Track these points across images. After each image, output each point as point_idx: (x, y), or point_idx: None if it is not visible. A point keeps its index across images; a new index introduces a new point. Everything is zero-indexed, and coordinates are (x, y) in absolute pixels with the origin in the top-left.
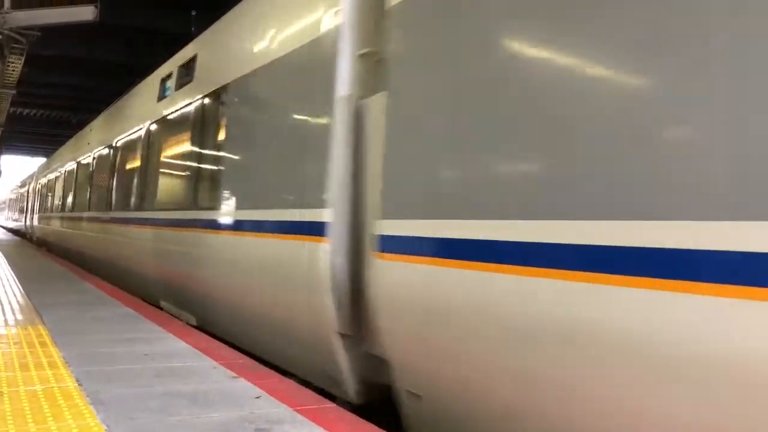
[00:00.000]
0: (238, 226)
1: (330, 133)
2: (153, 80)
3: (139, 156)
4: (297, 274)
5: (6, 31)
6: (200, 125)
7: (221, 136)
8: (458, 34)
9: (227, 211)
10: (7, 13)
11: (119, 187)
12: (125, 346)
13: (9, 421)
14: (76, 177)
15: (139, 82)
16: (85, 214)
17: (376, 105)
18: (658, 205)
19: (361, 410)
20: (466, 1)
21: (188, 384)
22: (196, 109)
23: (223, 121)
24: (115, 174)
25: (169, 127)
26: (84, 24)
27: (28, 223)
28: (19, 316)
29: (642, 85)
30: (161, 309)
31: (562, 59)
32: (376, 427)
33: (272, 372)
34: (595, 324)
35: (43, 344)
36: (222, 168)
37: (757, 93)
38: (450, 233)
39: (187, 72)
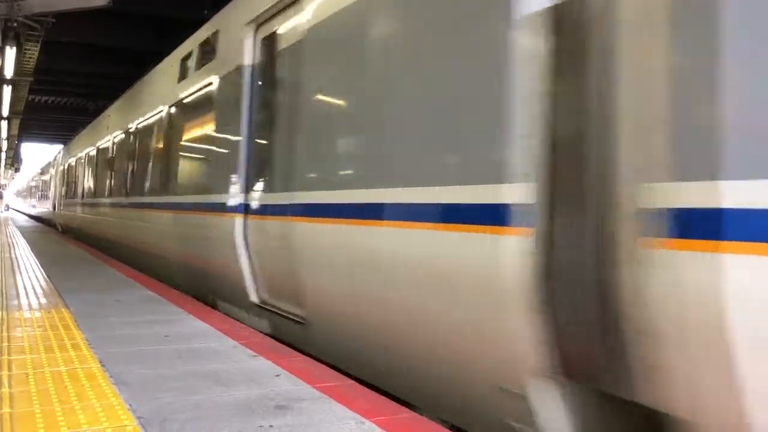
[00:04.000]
0: None
1: None
2: None
3: None
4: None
5: (21, 18)
6: None
7: None
8: None
9: None
10: (21, 0)
11: None
12: (147, 328)
13: (35, 401)
14: None
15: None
16: None
17: None
18: None
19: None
20: None
21: (209, 364)
22: None
23: None
24: None
25: None
26: (98, 10)
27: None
28: (43, 300)
29: None
30: None
31: None
32: (394, 402)
33: (292, 351)
34: None
35: (66, 327)
36: None
37: None
38: None
39: None
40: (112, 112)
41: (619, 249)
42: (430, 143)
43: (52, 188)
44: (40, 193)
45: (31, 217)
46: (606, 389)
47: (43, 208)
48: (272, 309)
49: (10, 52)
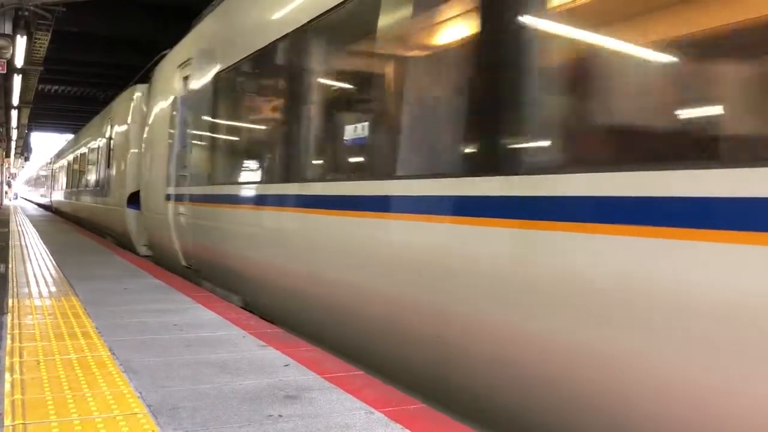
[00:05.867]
0: None
1: None
2: None
3: None
4: None
5: (32, 7)
6: None
7: None
8: None
9: None
10: None
11: None
12: (156, 317)
13: (46, 388)
14: None
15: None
16: None
17: None
18: None
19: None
20: None
21: (218, 353)
22: None
23: None
24: None
25: None
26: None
27: None
28: (53, 288)
29: None
30: None
31: None
32: (401, 393)
33: (300, 341)
34: None
35: (76, 315)
36: None
37: None
38: None
39: None
40: None
41: None
42: None
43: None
44: (71, 175)
45: (39, 205)
46: None
47: (75, 197)
48: None
49: (21, 41)
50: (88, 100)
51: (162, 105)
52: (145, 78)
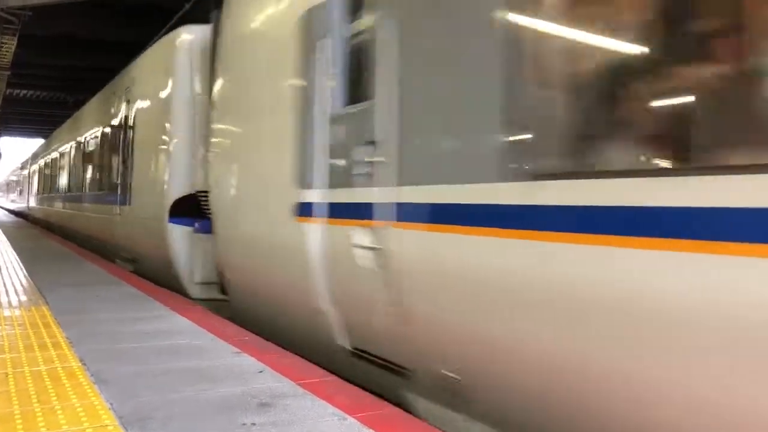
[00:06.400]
0: None
1: None
2: None
3: None
4: None
5: None
6: None
7: None
8: None
9: None
10: None
11: None
12: (129, 325)
13: (14, 402)
14: None
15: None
16: None
17: None
18: None
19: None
20: None
21: (192, 361)
22: None
23: None
24: None
25: None
26: (77, 2)
27: None
28: (23, 297)
29: None
30: None
31: None
32: (374, 397)
33: (275, 347)
34: None
35: (46, 325)
36: None
37: None
38: None
39: None
40: None
41: None
42: None
43: None
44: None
45: (11, 212)
46: None
47: (62, 204)
48: None
49: None
50: (58, 104)
51: (271, 44)
52: (191, 20)
